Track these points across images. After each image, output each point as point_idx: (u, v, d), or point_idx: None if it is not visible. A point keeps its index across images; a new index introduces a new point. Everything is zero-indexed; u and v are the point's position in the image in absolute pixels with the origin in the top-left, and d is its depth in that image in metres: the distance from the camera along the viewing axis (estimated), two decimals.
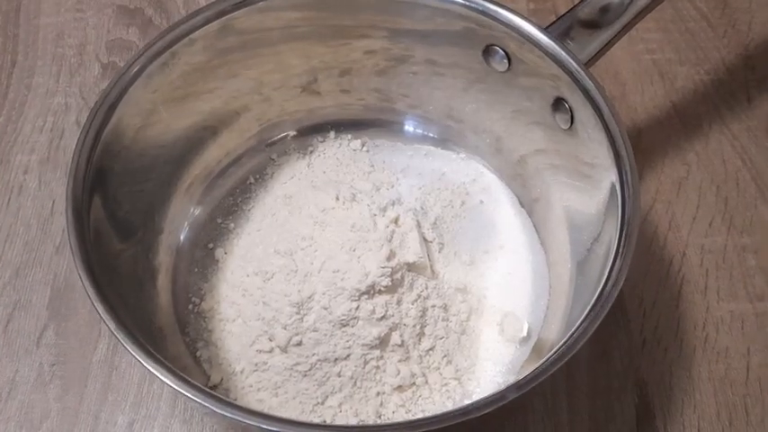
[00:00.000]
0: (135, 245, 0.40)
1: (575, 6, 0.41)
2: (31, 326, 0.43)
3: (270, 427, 0.29)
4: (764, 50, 0.55)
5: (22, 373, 0.41)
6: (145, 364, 0.30)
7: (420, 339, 0.39)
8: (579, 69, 0.38)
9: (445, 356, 0.39)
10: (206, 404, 0.29)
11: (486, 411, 0.29)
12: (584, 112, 0.38)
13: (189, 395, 0.30)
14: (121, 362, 0.41)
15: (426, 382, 0.38)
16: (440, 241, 0.43)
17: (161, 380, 0.30)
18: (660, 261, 0.46)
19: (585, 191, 0.40)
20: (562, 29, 0.40)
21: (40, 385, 0.41)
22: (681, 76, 0.54)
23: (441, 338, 0.39)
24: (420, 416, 0.38)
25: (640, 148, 0.50)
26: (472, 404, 0.29)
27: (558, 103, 0.40)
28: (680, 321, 0.44)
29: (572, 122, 0.40)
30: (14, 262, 0.45)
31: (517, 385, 0.30)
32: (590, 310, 0.32)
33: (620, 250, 0.33)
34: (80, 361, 0.42)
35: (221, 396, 0.30)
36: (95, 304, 0.31)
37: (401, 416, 0.38)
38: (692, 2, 0.58)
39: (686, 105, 0.53)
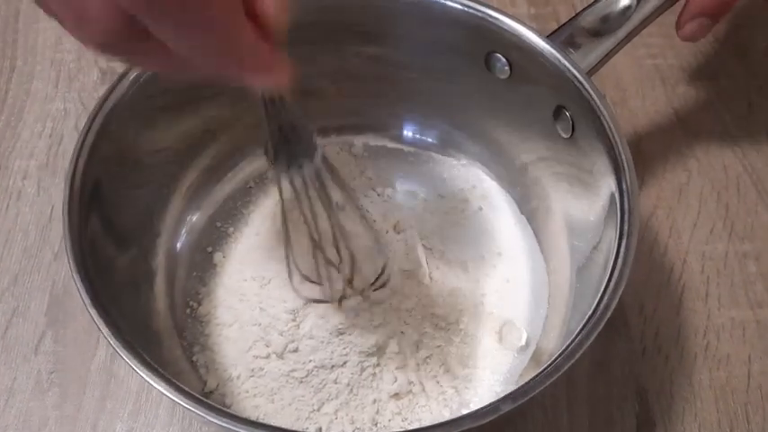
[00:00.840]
0: (133, 249, 0.40)
1: (577, 14, 0.41)
2: (30, 333, 0.43)
3: None
4: (765, 55, 0.55)
5: (20, 380, 0.41)
6: (141, 374, 0.30)
7: (417, 347, 0.39)
8: (581, 78, 0.38)
9: (442, 365, 0.39)
10: (201, 413, 0.29)
11: (480, 422, 0.29)
12: (584, 122, 0.38)
13: (185, 404, 0.29)
14: (120, 369, 0.41)
15: (423, 390, 0.38)
16: (439, 248, 0.43)
17: (158, 389, 0.30)
18: (661, 268, 0.46)
19: (586, 199, 0.40)
20: (564, 37, 0.40)
21: (38, 393, 0.41)
22: (682, 82, 0.54)
23: (438, 346, 0.39)
24: (416, 425, 0.37)
25: (641, 153, 0.50)
26: (466, 415, 0.29)
27: (559, 112, 0.40)
28: (681, 329, 0.43)
29: (573, 131, 0.40)
30: (13, 268, 0.45)
31: (512, 396, 0.29)
32: (587, 320, 0.32)
33: (619, 262, 0.33)
34: (78, 368, 0.41)
35: (216, 405, 0.30)
36: (90, 310, 0.31)
37: (397, 424, 0.37)
38: None
39: (687, 111, 0.52)
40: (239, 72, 0.25)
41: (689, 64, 0.55)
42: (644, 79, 0.54)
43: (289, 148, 0.31)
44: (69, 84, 0.53)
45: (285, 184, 0.33)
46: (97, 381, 0.41)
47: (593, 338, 0.31)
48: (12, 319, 0.43)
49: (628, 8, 0.40)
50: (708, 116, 0.52)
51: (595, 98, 0.37)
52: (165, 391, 0.30)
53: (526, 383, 0.30)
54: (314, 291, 0.37)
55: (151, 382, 0.30)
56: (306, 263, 0.36)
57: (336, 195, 0.35)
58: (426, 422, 0.37)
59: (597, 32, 0.40)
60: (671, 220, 0.47)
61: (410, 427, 0.37)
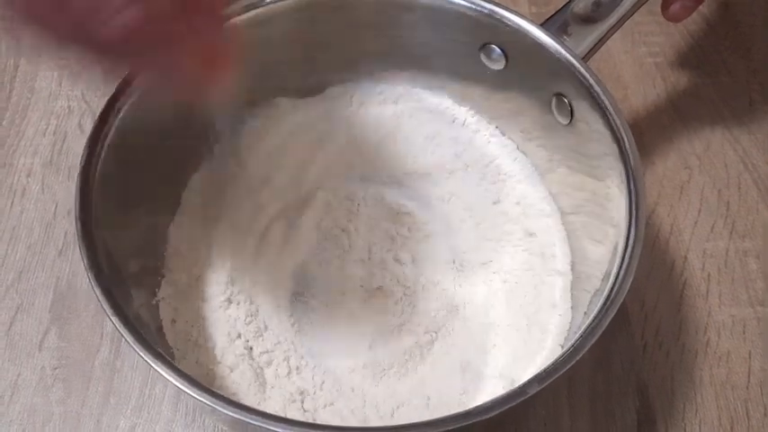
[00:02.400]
0: (135, 252, 0.40)
1: (569, 1, 0.41)
2: (34, 329, 0.43)
3: (276, 428, 0.29)
4: (766, 53, 0.55)
5: (25, 376, 0.41)
6: (151, 362, 0.30)
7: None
8: (577, 64, 0.38)
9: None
10: (212, 404, 0.29)
11: (508, 406, 0.29)
12: (583, 107, 0.39)
13: (194, 394, 0.29)
14: (123, 365, 0.42)
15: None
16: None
17: (167, 379, 0.30)
18: (662, 265, 0.46)
19: (588, 186, 0.40)
20: (558, 24, 0.40)
21: (42, 389, 0.41)
22: (683, 79, 0.54)
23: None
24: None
25: (642, 150, 0.50)
26: (496, 400, 0.30)
27: (558, 99, 0.40)
28: (681, 325, 0.44)
29: (572, 118, 0.40)
30: (17, 265, 0.45)
31: (537, 379, 0.30)
32: (597, 313, 0.32)
33: (630, 241, 0.34)
34: (82, 364, 0.42)
35: (225, 395, 0.30)
36: (97, 292, 0.31)
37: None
38: None
39: (688, 108, 0.53)
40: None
41: (690, 61, 0.55)
42: (645, 77, 0.54)
43: None
44: (73, 82, 0.54)
45: None
46: (101, 376, 0.41)
47: (615, 310, 0.32)
48: (16, 315, 0.43)
49: None
50: (709, 114, 0.52)
51: (593, 82, 0.38)
52: (175, 381, 0.30)
53: (550, 365, 0.30)
54: None
55: (161, 371, 0.30)
56: None
57: None
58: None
59: (590, 19, 0.40)
60: (672, 218, 0.48)
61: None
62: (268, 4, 0.41)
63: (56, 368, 0.42)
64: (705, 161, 0.50)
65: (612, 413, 0.41)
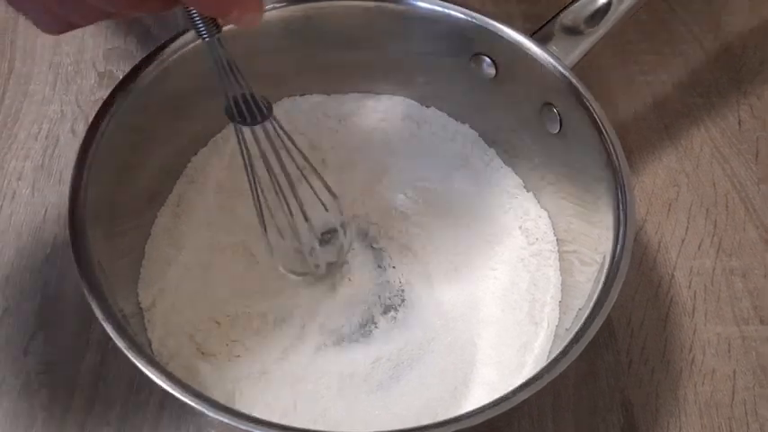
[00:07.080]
0: (124, 257, 0.40)
1: (558, 13, 0.42)
2: (20, 334, 0.43)
3: None
4: (756, 74, 0.56)
5: (9, 380, 0.41)
6: (145, 369, 0.30)
7: None
8: (566, 74, 0.39)
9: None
10: (201, 408, 0.29)
11: (497, 413, 0.30)
12: (572, 115, 0.39)
13: (187, 400, 0.30)
14: (109, 372, 0.41)
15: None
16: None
17: (164, 387, 0.30)
18: (649, 282, 0.46)
19: (577, 195, 0.41)
20: (547, 35, 0.41)
21: (27, 394, 0.41)
22: (673, 99, 0.54)
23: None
24: None
25: (631, 168, 0.50)
26: (490, 404, 0.30)
27: (547, 108, 0.41)
28: (667, 343, 0.44)
29: (561, 126, 0.40)
30: (5, 269, 0.45)
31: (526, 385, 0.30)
32: (581, 327, 0.32)
33: (615, 257, 0.34)
34: (67, 370, 0.41)
35: (216, 400, 0.30)
36: (95, 308, 0.32)
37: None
38: (685, 25, 0.58)
39: (678, 127, 0.53)
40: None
41: (680, 81, 0.55)
42: (635, 95, 0.55)
43: (248, 108, 0.35)
44: (67, 86, 0.54)
45: (247, 139, 0.36)
46: (86, 383, 0.41)
47: (604, 318, 0.32)
48: (2, 319, 0.43)
49: (607, 5, 0.41)
50: (698, 133, 0.53)
51: (581, 91, 0.38)
52: (176, 392, 0.30)
53: (537, 373, 0.31)
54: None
55: (151, 375, 0.30)
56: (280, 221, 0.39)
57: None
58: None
59: (579, 30, 0.41)
60: (659, 235, 0.48)
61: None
62: None
63: (40, 373, 0.41)
64: (693, 179, 0.50)
65: (597, 429, 0.41)
